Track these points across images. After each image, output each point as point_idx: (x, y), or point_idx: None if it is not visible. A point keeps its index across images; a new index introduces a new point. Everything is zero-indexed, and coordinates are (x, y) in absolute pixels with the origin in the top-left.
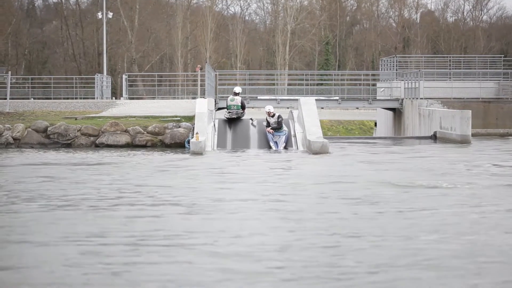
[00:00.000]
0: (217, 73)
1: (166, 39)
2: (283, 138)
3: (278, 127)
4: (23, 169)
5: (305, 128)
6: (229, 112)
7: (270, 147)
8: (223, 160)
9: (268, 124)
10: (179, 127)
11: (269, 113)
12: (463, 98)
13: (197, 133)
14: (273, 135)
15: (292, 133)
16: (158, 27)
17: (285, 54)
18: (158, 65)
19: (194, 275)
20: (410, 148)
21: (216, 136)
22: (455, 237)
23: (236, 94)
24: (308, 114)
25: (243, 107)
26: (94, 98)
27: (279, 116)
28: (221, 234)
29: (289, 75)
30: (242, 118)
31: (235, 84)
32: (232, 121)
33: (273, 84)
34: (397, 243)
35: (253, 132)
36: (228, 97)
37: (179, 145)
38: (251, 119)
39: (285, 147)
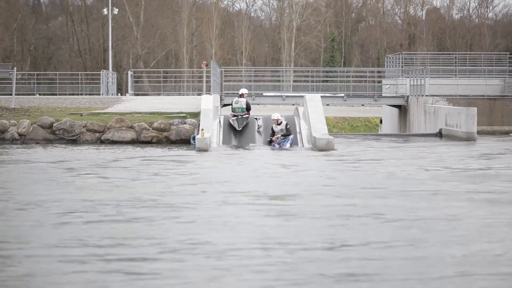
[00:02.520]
0: (223, 69)
1: (171, 36)
2: (288, 142)
3: (287, 134)
4: None
5: (310, 125)
6: (234, 116)
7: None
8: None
9: (273, 133)
10: (185, 123)
11: (277, 121)
12: (469, 96)
13: (202, 129)
14: (278, 143)
15: (298, 130)
16: (164, 23)
17: (291, 51)
18: (164, 61)
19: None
20: (399, 146)
21: (221, 133)
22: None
23: (241, 95)
24: (313, 111)
25: (248, 108)
26: (99, 94)
27: (287, 124)
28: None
29: (294, 71)
30: (248, 121)
31: (241, 81)
32: (238, 120)
33: (279, 81)
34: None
35: (259, 122)
36: (233, 93)
37: (185, 142)
38: (256, 119)
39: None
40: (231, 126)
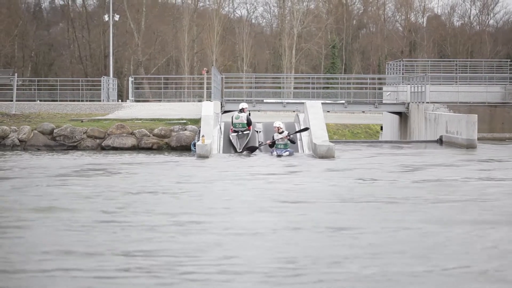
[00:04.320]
0: (223, 76)
1: (172, 42)
2: (286, 152)
3: (292, 141)
4: None
5: (311, 131)
6: (235, 131)
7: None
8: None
9: (273, 143)
10: (185, 130)
11: (278, 129)
12: (469, 103)
13: (203, 136)
14: (279, 151)
15: (298, 136)
16: (165, 30)
17: (292, 58)
18: (164, 68)
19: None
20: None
21: (222, 139)
22: None
23: (241, 110)
24: (314, 118)
25: (248, 124)
26: (100, 101)
27: (289, 133)
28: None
29: (295, 78)
30: (249, 138)
31: (241, 87)
32: (238, 136)
33: (279, 88)
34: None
35: (260, 136)
36: (234, 100)
37: (185, 148)
38: (257, 132)
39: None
40: (231, 143)
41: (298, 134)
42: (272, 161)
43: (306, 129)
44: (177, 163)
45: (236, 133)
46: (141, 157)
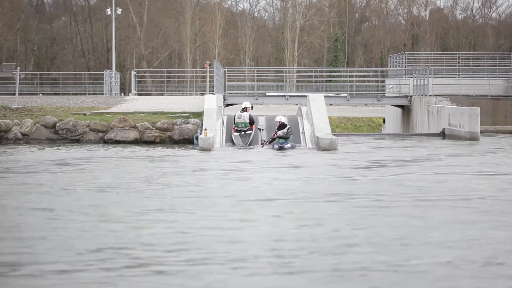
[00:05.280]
0: (226, 69)
1: (175, 36)
2: (288, 144)
3: (286, 137)
4: None
5: (313, 124)
6: (237, 131)
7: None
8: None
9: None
10: (188, 123)
11: (279, 123)
12: (472, 95)
13: (205, 129)
14: (279, 144)
15: (301, 129)
16: (167, 23)
17: (294, 51)
18: (167, 61)
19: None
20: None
21: (224, 133)
22: None
23: (244, 109)
24: (316, 111)
25: (251, 123)
26: (102, 94)
27: (289, 128)
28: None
29: (297, 71)
30: (251, 138)
31: (244, 81)
32: (241, 136)
33: (282, 81)
34: None
35: (263, 134)
36: (236, 93)
37: (188, 141)
38: (260, 130)
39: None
40: (233, 142)
41: (300, 127)
42: (273, 154)
43: (284, 125)
44: (177, 157)
45: (238, 133)
46: (141, 150)
